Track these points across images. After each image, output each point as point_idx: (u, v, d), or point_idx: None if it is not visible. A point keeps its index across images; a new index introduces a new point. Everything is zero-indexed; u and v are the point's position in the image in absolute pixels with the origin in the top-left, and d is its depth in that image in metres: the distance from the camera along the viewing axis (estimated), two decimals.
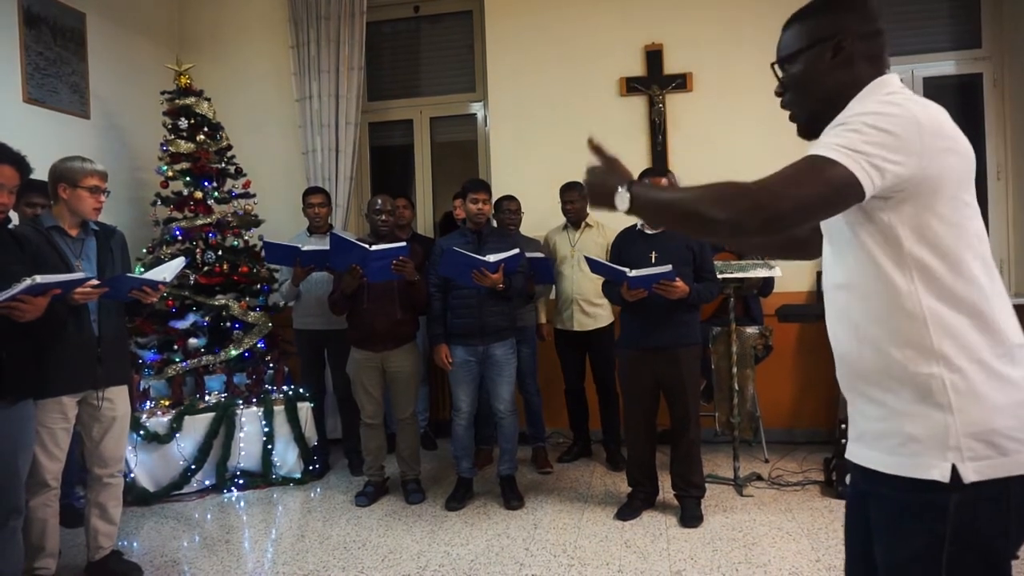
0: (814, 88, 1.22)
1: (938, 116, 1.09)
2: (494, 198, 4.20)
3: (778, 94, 1.28)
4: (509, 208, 4.03)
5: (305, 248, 3.60)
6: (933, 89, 4.35)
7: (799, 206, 1.04)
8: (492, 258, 3.19)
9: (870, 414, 1.15)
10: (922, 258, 1.07)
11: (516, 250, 3.32)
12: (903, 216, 1.07)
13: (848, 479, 1.29)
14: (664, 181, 3.20)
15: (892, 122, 1.05)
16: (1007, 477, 1.03)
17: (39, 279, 2.16)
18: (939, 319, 1.06)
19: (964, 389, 1.04)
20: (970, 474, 1.02)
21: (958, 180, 1.08)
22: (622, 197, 1.20)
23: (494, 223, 4.11)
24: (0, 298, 2.13)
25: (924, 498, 1.06)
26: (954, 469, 1.03)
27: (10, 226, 2.48)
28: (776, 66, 1.28)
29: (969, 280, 1.07)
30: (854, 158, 1.02)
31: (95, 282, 2.46)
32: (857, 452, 1.19)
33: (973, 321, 1.06)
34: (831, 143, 1.05)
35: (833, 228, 1.19)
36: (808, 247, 1.38)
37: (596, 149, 1.33)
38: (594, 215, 4.11)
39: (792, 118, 1.28)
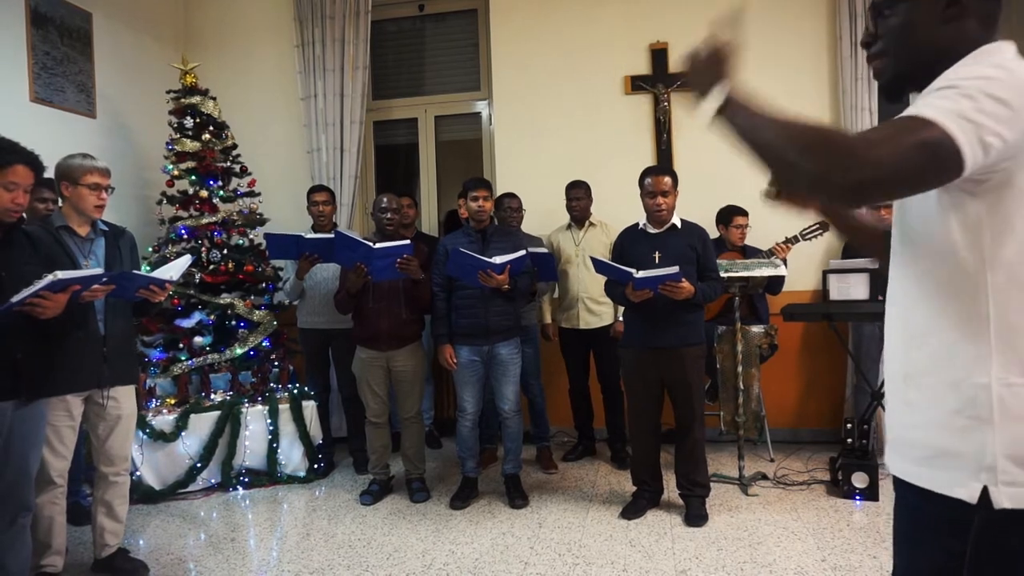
0: (913, 42, 1.06)
1: None
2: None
3: (864, 44, 1.14)
4: (510, 206, 4.02)
5: (308, 236, 3.59)
6: None
7: (895, 172, 0.88)
8: (499, 260, 3.19)
9: (905, 420, 1.07)
10: (1002, 257, 0.95)
11: (522, 252, 3.32)
12: (990, 205, 0.95)
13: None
14: (667, 180, 3.18)
15: (1008, 89, 0.90)
16: None
17: (60, 275, 2.18)
18: (1005, 328, 0.95)
19: (1013, 406, 0.94)
20: (1003, 500, 0.93)
21: None
22: (720, 94, 1.02)
23: (495, 221, 4.11)
24: (24, 295, 2.15)
25: (948, 514, 0.99)
26: (985, 492, 0.94)
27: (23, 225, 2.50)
28: (872, 11, 1.12)
29: None
30: (963, 128, 0.87)
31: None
32: (890, 458, 1.11)
33: None
34: (939, 105, 0.90)
35: (906, 213, 1.07)
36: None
37: (731, 24, 1.09)
38: (597, 214, 4.11)
39: (876, 74, 1.13)
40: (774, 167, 0.95)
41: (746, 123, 0.99)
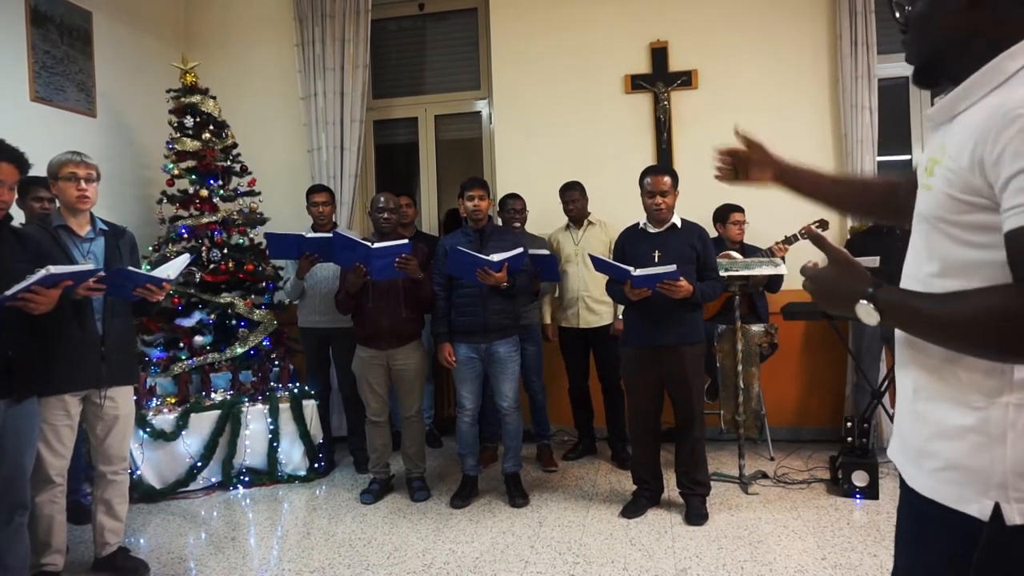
0: (934, 31, 1.00)
1: None
2: (499, 196, 4.20)
3: (901, 31, 1.10)
4: (514, 207, 4.02)
5: (309, 236, 3.60)
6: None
7: None
8: (496, 257, 3.20)
9: (918, 428, 1.04)
10: None
11: (520, 249, 3.32)
12: None
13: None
14: (667, 180, 3.18)
15: None
16: None
17: (52, 269, 2.19)
18: None
19: None
20: (1015, 516, 0.91)
21: None
22: (867, 310, 0.99)
23: (497, 220, 4.11)
24: (15, 289, 2.15)
25: (955, 518, 0.97)
26: (997, 508, 0.92)
27: (12, 223, 2.49)
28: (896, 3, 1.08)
29: None
30: None
31: (99, 275, 2.46)
32: (897, 459, 1.10)
33: None
34: None
35: (939, 217, 0.98)
36: (901, 213, 1.16)
37: (818, 240, 1.12)
38: (597, 213, 4.11)
39: (907, 59, 1.09)
40: (964, 350, 0.94)
41: (918, 315, 0.97)
